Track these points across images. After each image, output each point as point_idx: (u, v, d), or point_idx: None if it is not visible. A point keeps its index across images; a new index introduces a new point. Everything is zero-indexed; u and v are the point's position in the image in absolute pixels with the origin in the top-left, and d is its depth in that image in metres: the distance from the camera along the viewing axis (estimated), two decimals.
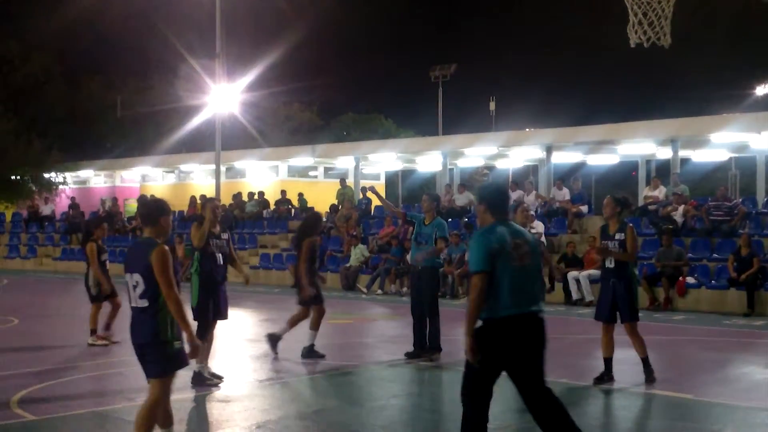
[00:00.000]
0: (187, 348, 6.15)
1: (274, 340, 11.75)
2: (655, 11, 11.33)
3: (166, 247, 6.14)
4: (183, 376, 9.92)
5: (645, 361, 9.72)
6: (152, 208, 6.38)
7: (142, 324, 6.11)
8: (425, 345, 11.57)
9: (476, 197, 5.59)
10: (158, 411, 6.16)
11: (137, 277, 6.08)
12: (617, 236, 9.59)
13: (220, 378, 9.82)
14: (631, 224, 9.91)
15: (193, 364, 9.75)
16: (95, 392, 9.48)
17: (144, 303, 6.07)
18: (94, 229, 13.13)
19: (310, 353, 11.52)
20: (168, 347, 6.06)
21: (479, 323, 5.82)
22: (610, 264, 9.63)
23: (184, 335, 6.13)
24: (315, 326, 11.67)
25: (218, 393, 9.34)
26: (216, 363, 10.50)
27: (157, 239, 6.22)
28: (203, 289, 9.63)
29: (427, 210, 11.71)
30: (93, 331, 12.94)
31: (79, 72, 52.34)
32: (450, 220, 23.70)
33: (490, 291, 5.74)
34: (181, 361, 6.18)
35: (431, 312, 11.54)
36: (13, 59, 48.73)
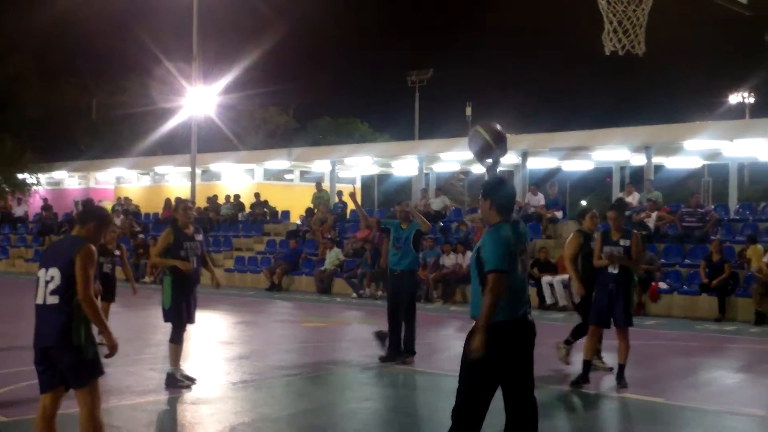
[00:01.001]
0: (102, 352, 5.92)
1: (381, 337, 11.71)
2: (630, 19, 11.43)
3: (94, 248, 5.89)
4: (155, 378, 9.92)
5: (622, 368, 9.81)
6: (88, 211, 6.24)
7: (52, 326, 5.78)
8: (400, 348, 11.59)
9: (481, 191, 5.18)
10: (99, 419, 5.88)
11: (54, 271, 5.79)
12: (622, 242, 9.75)
13: (192, 380, 9.78)
14: (636, 231, 10.10)
15: (167, 366, 9.74)
16: (67, 394, 9.39)
17: (55, 300, 5.76)
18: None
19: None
20: (83, 351, 5.77)
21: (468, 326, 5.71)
22: (614, 270, 9.77)
23: (99, 338, 5.93)
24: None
25: (190, 395, 9.30)
26: (189, 365, 10.46)
27: (85, 239, 5.95)
28: (176, 291, 9.58)
29: (402, 219, 11.76)
30: None
31: (54, 74, 52.00)
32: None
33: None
34: (100, 368, 5.90)
35: (408, 315, 11.58)
36: None
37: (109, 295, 12.93)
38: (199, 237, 9.89)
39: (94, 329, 5.95)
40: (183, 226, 9.72)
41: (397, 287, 11.67)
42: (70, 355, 5.75)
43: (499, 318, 5.47)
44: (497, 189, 5.82)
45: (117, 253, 13.17)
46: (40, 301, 5.87)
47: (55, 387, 5.94)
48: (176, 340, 9.61)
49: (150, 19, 46.37)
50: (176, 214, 9.97)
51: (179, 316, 9.60)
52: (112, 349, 5.95)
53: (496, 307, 5.43)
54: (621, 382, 9.75)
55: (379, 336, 11.75)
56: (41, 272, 5.89)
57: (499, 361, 5.53)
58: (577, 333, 10.80)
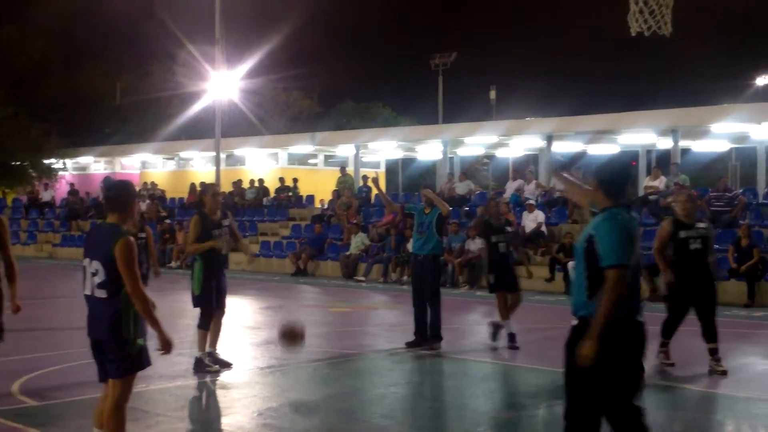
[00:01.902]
0: (152, 346, 5.78)
1: (496, 327, 11.66)
2: (656, 0, 11.30)
3: (132, 238, 5.67)
4: (183, 363, 9.97)
5: None
6: (123, 192, 5.86)
7: (101, 318, 5.68)
8: (426, 334, 11.59)
9: (591, 172, 5.12)
10: (125, 410, 5.79)
11: (97, 265, 5.64)
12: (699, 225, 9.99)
13: (228, 365, 9.81)
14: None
15: (195, 351, 9.79)
16: (95, 379, 9.45)
17: (102, 294, 5.64)
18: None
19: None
20: (129, 346, 5.65)
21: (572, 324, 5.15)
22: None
23: (151, 331, 5.75)
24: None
25: (220, 380, 9.35)
26: (218, 350, 10.49)
27: (123, 226, 5.75)
28: (206, 276, 9.61)
29: (426, 203, 11.77)
30: None
31: (78, 58, 52.15)
32: (451, 208, 23.64)
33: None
34: (144, 361, 5.76)
35: (432, 300, 11.57)
36: (11, 45, 48.59)
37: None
38: (227, 222, 9.90)
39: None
40: (210, 212, 9.73)
41: (421, 272, 11.65)
42: (117, 348, 5.65)
43: (621, 314, 4.81)
44: (604, 166, 5.18)
45: (142, 235, 13.13)
46: (88, 291, 5.75)
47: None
48: (204, 325, 9.65)
49: (173, 3, 46.35)
50: (204, 198, 9.94)
51: (209, 301, 9.63)
52: (164, 344, 5.73)
53: (617, 309, 4.74)
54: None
55: (494, 326, 11.61)
56: (86, 261, 5.76)
57: (615, 365, 4.81)
58: (667, 330, 10.07)
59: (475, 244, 21.36)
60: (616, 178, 5.09)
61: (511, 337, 11.34)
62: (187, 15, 44.17)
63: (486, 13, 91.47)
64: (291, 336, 8.29)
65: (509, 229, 11.76)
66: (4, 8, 48.12)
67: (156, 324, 5.67)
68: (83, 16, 48.97)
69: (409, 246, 12.55)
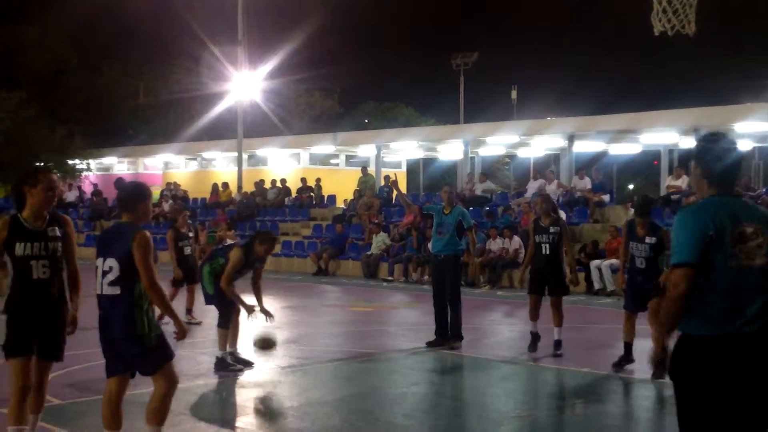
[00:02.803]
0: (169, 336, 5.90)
1: (534, 337, 11.10)
2: None
3: (149, 234, 5.77)
4: (205, 362, 10.04)
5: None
6: (130, 193, 6.00)
7: (114, 316, 5.75)
8: (447, 333, 11.60)
9: (693, 156, 4.20)
10: (168, 403, 5.88)
11: (112, 262, 5.71)
12: (648, 240, 9.68)
13: (249, 364, 9.87)
14: (665, 228, 9.94)
15: (216, 351, 9.86)
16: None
17: (115, 291, 5.70)
18: (177, 216, 13.32)
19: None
20: (146, 340, 5.71)
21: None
22: (641, 265, 9.74)
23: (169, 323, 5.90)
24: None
25: (241, 379, 9.41)
26: (238, 349, 10.56)
27: (137, 224, 5.85)
28: (217, 280, 9.66)
29: (447, 201, 11.77)
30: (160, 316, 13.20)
31: (100, 59, 52.57)
32: (471, 208, 23.67)
33: (697, 295, 4.08)
34: (167, 353, 5.84)
35: (453, 300, 11.58)
36: (34, 46, 49.00)
37: (190, 279, 13.30)
38: (191, 234, 10.19)
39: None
40: (255, 255, 9.59)
41: (441, 272, 11.68)
42: (135, 346, 5.71)
43: (701, 331, 4.07)
44: (709, 149, 4.33)
45: (191, 235, 13.62)
46: (99, 290, 5.83)
47: (120, 372, 5.90)
48: (224, 324, 9.71)
49: (196, 3, 46.58)
50: (258, 244, 9.65)
51: (224, 300, 9.66)
52: (181, 333, 5.91)
53: (678, 315, 4.09)
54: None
55: (533, 336, 11.12)
56: (98, 261, 5.83)
57: (706, 390, 4.02)
58: None
59: (496, 244, 21.35)
60: (728, 166, 4.30)
61: (557, 344, 10.86)
62: (209, 15, 44.43)
63: (507, 13, 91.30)
64: (265, 346, 9.52)
65: (554, 230, 10.83)
66: (26, 10, 48.56)
67: (174, 316, 5.82)
68: (106, 17, 49.42)
69: (430, 246, 12.49)
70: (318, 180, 31.21)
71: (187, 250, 13.48)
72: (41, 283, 5.97)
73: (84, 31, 49.98)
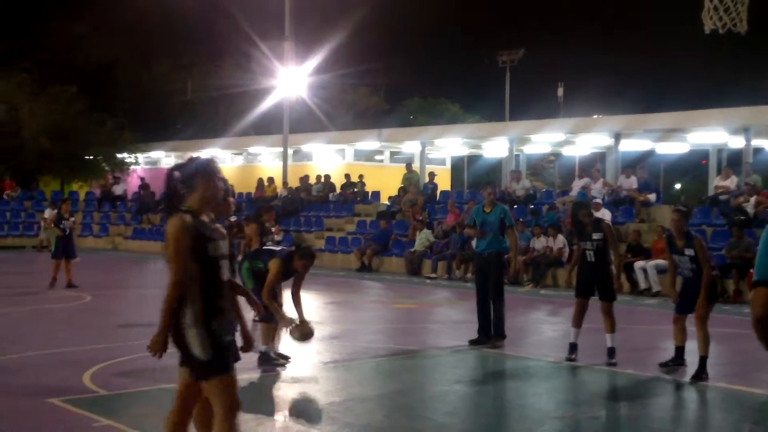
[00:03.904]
0: (239, 341, 5.35)
1: (572, 346, 10.69)
2: None
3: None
4: (248, 356, 10.12)
5: (703, 360, 9.52)
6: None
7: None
8: (490, 331, 11.59)
9: None
10: (235, 409, 5.13)
11: None
12: (687, 252, 9.57)
13: (287, 358, 9.96)
14: (698, 236, 9.80)
15: (260, 345, 9.94)
16: (164, 369, 9.65)
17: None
18: (264, 212, 13.05)
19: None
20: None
21: None
22: (689, 274, 9.66)
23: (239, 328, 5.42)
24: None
25: (284, 374, 9.49)
26: (281, 344, 10.65)
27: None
28: (255, 277, 9.74)
29: (488, 200, 11.85)
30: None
31: (150, 54, 53.15)
32: (516, 207, 23.60)
33: None
34: (235, 355, 5.22)
35: (496, 298, 11.59)
36: (85, 41, 49.71)
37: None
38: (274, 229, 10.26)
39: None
40: (294, 268, 9.64)
41: (485, 270, 11.72)
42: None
43: None
44: None
45: (273, 231, 13.18)
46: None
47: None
48: (268, 318, 9.77)
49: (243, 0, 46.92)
50: (295, 259, 9.66)
51: (273, 296, 9.69)
52: (247, 340, 5.47)
53: (764, 339, 3.61)
54: (701, 375, 9.45)
55: (571, 346, 10.70)
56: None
57: None
58: None
59: (540, 242, 21.25)
60: None
61: (610, 352, 10.37)
62: (257, 11, 44.71)
63: (554, 10, 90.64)
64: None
65: (597, 236, 10.43)
66: (77, 5, 49.26)
67: (241, 319, 5.44)
68: (155, 12, 49.82)
69: (473, 244, 12.48)
70: (361, 176, 31.29)
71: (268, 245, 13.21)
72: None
73: (134, 28, 50.53)
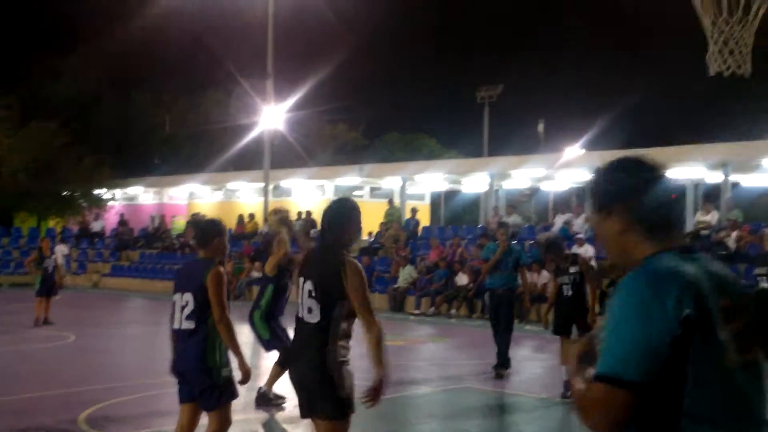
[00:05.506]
0: (238, 375, 5.95)
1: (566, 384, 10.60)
2: (736, 39, 11.25)
3: (223, 269, 5.94)
4: (244, 396, 10.04)
5: None
6: (206, 230, 6.17)
7: (188, 350, 5.82)
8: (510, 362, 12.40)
9: (595, 194, 2.56)
10: None
11: (188, 296, 5.83)
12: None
13: (283, 398, 9.88)
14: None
15: (256, 384, 9.86)
16: (159, 411, 9.57)
17: (191, 325, 5.80)
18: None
19: None
20: (214, 374, 5.79)
21: None
22: None
23: (234, 362, 5.92)
24: None
25: (283, 414, 9.42)
26: (278, 383, 10.57)
27: (213, 259, 6.02)
28: (270, 321, 9.71)
29: (504, 241, 12.60)
30: None
31: (129, 89, 53.15)
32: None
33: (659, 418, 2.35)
34: (231, 392, 5.93)
35: (505, 331, 12.39)
36: (66, 75, 49.66)
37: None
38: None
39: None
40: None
41: (498, 305, 12.57)
42: (203, 378, 5.80)
43: None
44: (636, 184, 2.62)
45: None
46: (176, 325, 5.92)
47: (191, 401, 5.94)
48: (284, 362, 9.65)
49: (224, 36, 47.15)
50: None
51: (283, 339, 9.57)
52: (245, 375, 5.96)
53: None
54: None
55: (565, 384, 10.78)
56: (176, 296, 5.94)
57: None
58: None
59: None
60: (671, 205, 2.64)
61: None
62: (237, 48, 44.91)
63: (534, 47, 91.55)
64: None
65: (574, 270, 10.52)
66: (60, 40, 49.31)
67: (239, 353, 5.88)
68: (137, 47, 49.89)
69: (486, 281, 13.28)
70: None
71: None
72: None
73: (116, 61, 50.56)
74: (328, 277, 5.09)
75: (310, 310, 5.15)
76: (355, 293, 5.07)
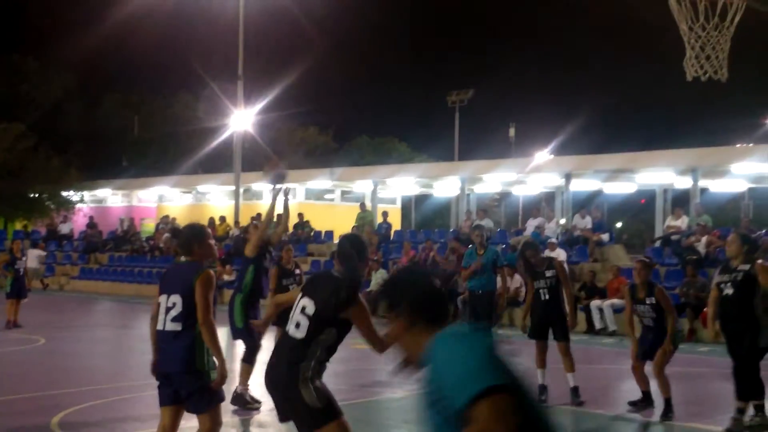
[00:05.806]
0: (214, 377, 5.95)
1: (541, 388, 10.51)
2: (712, 45, 11.35)
3: (213, 273, 5.96)
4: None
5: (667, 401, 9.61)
6: (186, 236, 6.22)
7: (174, 352, 5.79)
8: None
9: (382, 295, 3.21)
10: None
11: (175, 298, 5.81)
12: (648, 300, 9.61)
13: (259, 402, 9.83)
14: (660, 286, 9.94)
15: (235, 385, 9.80)
16: (133, 415, 9.49)
17: (177, 327, 5.78)
18: (281, 252, 12.37)
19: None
20: (206, 377, 5.81)
21: None
22: (649, 323, 9.71)
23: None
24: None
25: (258, 417, 9.37)
26: (254, 386, 10.52)
27: (201, 263, 6.05)
28: (246, 309, 9.67)
29: (480, 243, 12.86)
30: None
31: (98, 90, 52.84)
32: (471, 246, 23.72)
33: None
34: (221, 394, 6.02)
35: None
36: (34, 77, 49.19)
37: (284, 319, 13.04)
38: (298, 271, 10.91)
39: None
40: (285, 263, 10.54)
41: (477, 307, 12.87)
42: (193, 381, 5.79)
43: None
44: (407, 283, 3.18)
45: (297, 272, 12.46)
46: (161, 327, 5.90)
47: (174, 403, 5.93)
48: (250, 360, 9.63)
49: (193, 38, 46.92)
50: (282, 253, 10.32)
51: (252, 334, 9.54)
52: (221, 378, 5.94)
53: None
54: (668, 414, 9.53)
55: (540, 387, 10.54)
56: (162, 298, 5.93)
57: None
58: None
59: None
60: (437, 298, 3.12)
61: (574, 391, 10.32)
62: (208, 51, 44.69)
63: (505, 51, 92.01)
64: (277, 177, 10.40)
65: (550, 273, 10.47)
66: (28, 40, 48.85)
67: (220, 356, 5.88)
68: (106, 49, 49.62)
69: (466, 283, 13.49)
70: (301, 215, 31.17)
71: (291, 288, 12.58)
72: None
73: (85, 64, 50.29)
74: (330, 306, 5.35)
75: (297, 325, 5.32)
76: (366, 330, 5.56)
